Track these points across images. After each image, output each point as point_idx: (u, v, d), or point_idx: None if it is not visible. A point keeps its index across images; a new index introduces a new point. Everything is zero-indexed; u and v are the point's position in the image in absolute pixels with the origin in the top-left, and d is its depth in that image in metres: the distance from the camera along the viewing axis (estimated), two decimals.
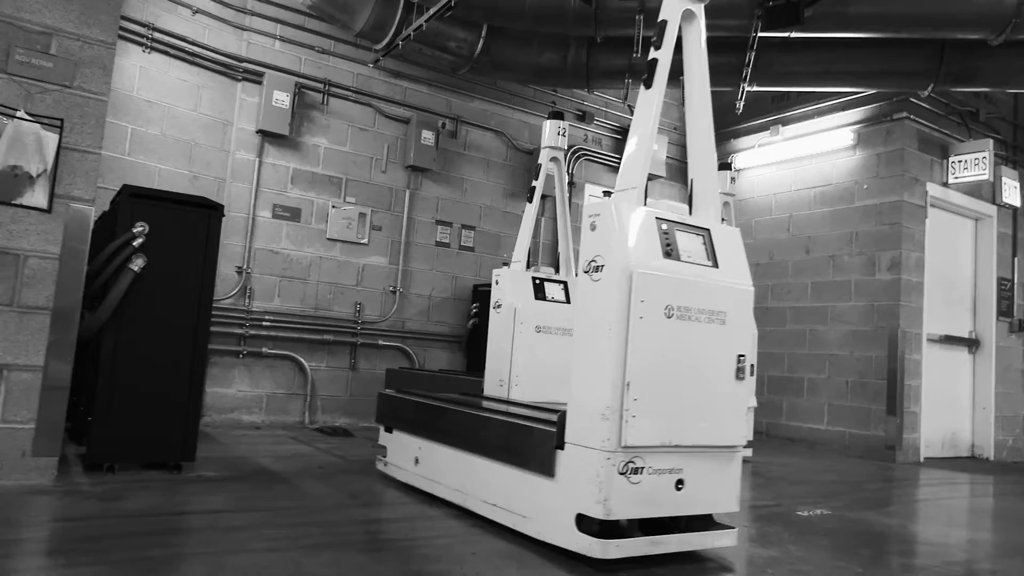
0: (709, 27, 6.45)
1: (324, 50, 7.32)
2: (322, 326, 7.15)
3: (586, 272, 3.13)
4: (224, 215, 4.42)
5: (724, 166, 7.18)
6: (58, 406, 3.69)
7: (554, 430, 3.14)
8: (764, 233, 9.08)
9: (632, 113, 8.88)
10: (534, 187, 5.77)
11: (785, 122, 9.02)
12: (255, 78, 6.91)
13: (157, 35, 6.45)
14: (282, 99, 6.88)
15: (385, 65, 7.58)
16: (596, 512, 2.90)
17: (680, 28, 3.48)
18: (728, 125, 9.72)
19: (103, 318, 3.91)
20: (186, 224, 4.22)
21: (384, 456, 4.55)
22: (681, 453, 3.09)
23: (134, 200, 4.08)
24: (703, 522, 3.25)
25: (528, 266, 5.81)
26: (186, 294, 4.19)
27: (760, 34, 6.36)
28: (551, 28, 6.85)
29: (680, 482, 3.08)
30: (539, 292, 5.53)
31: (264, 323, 6.85)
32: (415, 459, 4.18)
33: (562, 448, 3.10)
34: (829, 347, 8.24)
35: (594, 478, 2.92)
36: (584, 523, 2.96)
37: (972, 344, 8.70)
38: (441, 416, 4.00)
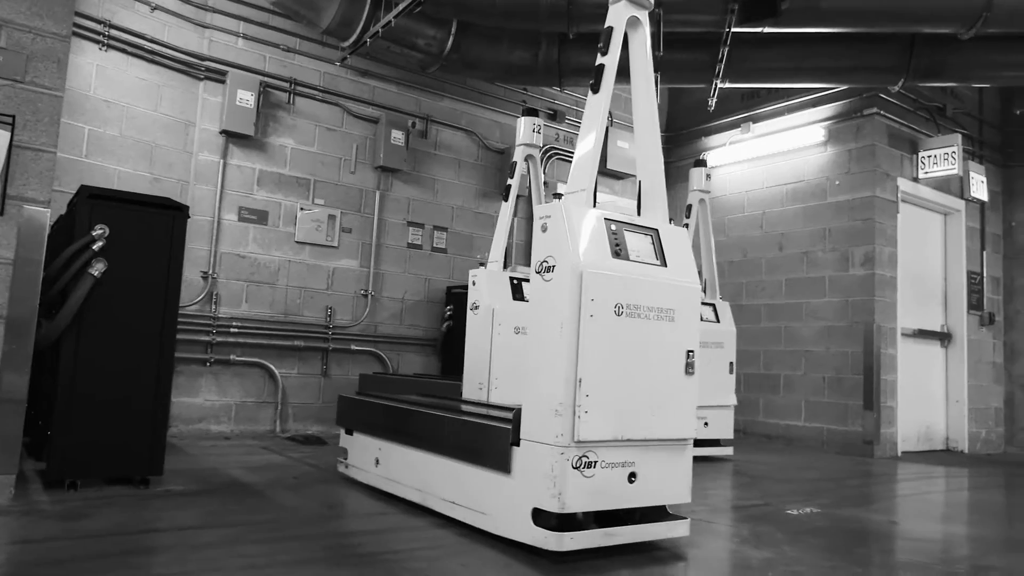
0: (681, 23, 6.47)
1: (289, 48, 7.13)
2: (292, 332, 6.95)
3: (538, 272, 3.19)
4: (189, 216, 4.23)
5: (700, 163, 7.10)
6: (14, 420, 3.47)
7: (509, 427, 3.20)
8: (737, 231, 9.03)
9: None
10: (509, 186, 5.63)
11: (756, 119, 8.99)
12: (218, 77, 6.70)
13: (114, 32, 6.22)
14: (247, 98, 6.68)
15: (353, 64, 7.41)
16: (551, 506, 2.96)
17: (626, 34, 3.57)
18: (699, 123, 9.70)
19: (61, 326, 3.71)
20: (149, 226, 4.02)
21: (345, 458, 4.58)
22: (633, 447, 3.16)
23: (93, 201, 3.87)
24: (657, 513, 3.32)
25: (505, 266, 5.67)
26: (150, 299, 4.00)
27: (734, 29, 6.29)
28: (523, 24, 6.73)
29: (633, 475, 3.16)
30: (517, 292, 5.39)
31: (232, 330, 6.63)
32: (375, 460, 4.23)
33: (518, 445, 3.17)
34: (804, 343, 8.21)
35: (548, 473, 2.99)
36: (540, 517, 3.02)
37: (944, 338, 8.73)
38: (400, 417, 4.05)
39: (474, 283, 5.33)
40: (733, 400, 6.77)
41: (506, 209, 5.63)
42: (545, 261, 3.16)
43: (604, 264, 3.12)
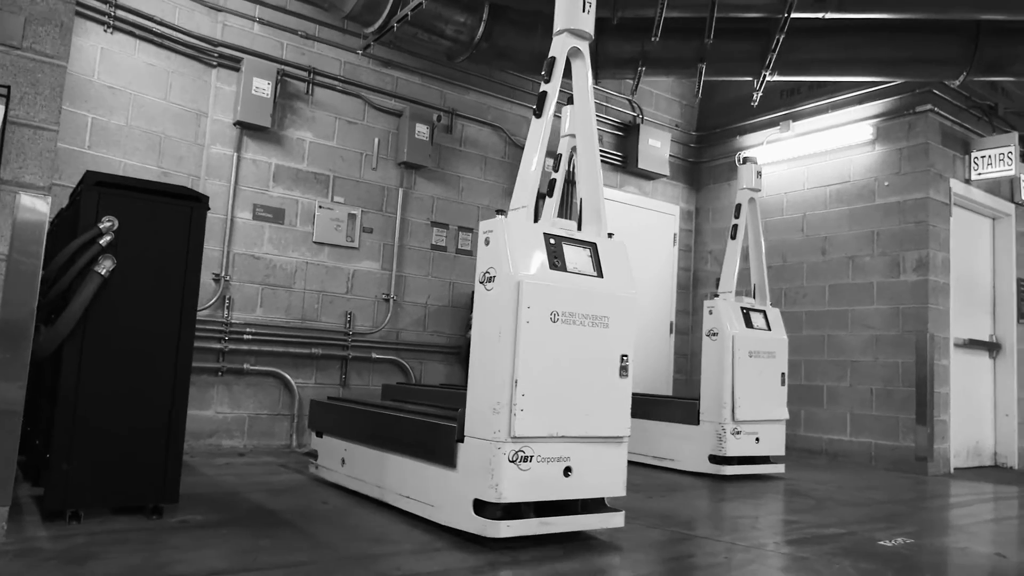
0: (736, 7, 5.99)
1: (308, 35, 6.65)
2: (309, 339, 6.45)
3: (481, 283, 3.45)
4: (209, 208, 3.74)
5: (748, 159, 6.63)
6: (9, 441, 2.97)
7: (455, 425, 3.48)
8: (776, 234, 8.55)
9: (633, 107, 8.20)
10: (553, 180, 5.15)
11: (796, 117, 8.52)
12: (232, 64, 6.22)
13: (120, 12, 5.73)
14: (263, 87, 6.20)
15: (374, 53, 6.93)
16: (490, 496, 3.23)
17: (569, 63, 3.86)
18: (733, 121, 9.24)
19: (63, 332, 3.21)
20: (164, 219, 3.54)
21: (316, 460, 4.87)
22: (568, 443, 3.42)
23: (100, 189, 3.39)
24: (597, 505, 3.60)
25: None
26: (165, 302, 3.51)
27: (794, 15, 5.82)
28: None
29: (568, 469, 3.42)
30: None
31: (245, 336, 6.14)
32: (342, 460, 4.54)
33: (462, 441, 3.44)
34: (850, 353, 7.72)
35: (487, 466, 3.26)
36: (481, 507, 3.28)
37: (993, 348, 8.25)
38: (362, 419, 4.35)
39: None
40: (785, 414, 6.29)
41: (551, 206, 5.14)
42: (487, 272, 3.43)
43: (541, 275, 3.39)
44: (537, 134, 3.68)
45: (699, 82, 6.86)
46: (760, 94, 6.94)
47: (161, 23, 5.92)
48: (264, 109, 6.22)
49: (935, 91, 7.47)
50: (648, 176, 8.97)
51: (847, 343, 7.76)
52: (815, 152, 8.29)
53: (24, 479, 3.99)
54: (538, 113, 3.70)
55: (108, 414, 3.33)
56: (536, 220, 3.66)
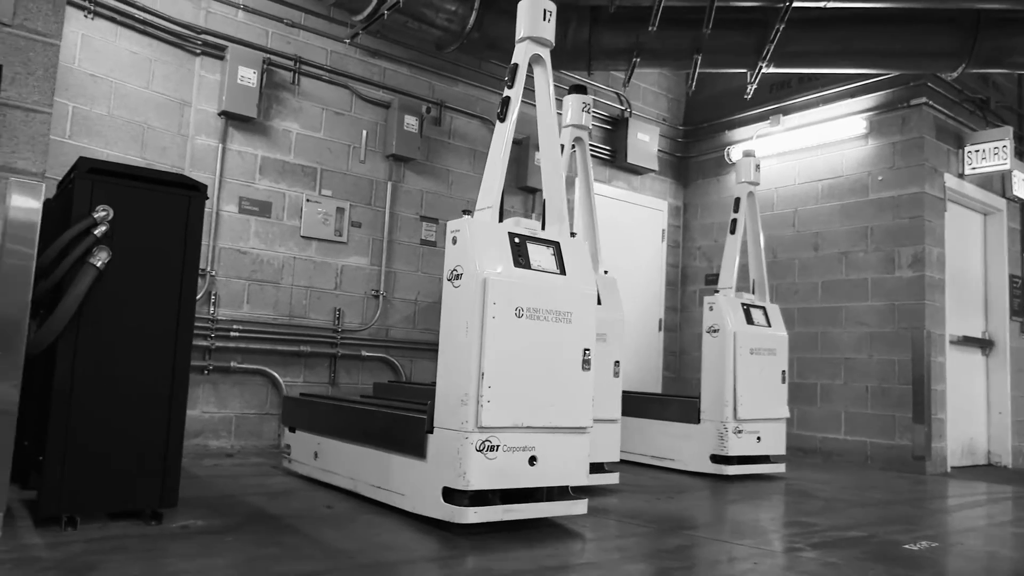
0: None
1: (293, 23, 6.44)
2: (297, 336, 6.24)
3: (448, 280, 3.61)
4: (208, 197, 3.55)
5: (747, 153, 6.53)
6: (3, 443, 2.77)
7: (424, 417, 3.62)
8: (766, 230, 8.46)
9: (622, 101, 8.09)
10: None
11: (786, 111, 8.45)
12: (216, 53, 6.00)
13: None
14: (248, 76, 5.98)
15: (361, 42, 6.74)
16: (458, 484, 3.36)
17: (532, 69, 4.06)
18: (721, 116, 9.15)
19: (57, 328, 3.00)
20: (160, 209, 3.34)
21: (289, 454, 4.96)
22: (533, 433, 3.57)
23: (94, 178, 3.18)
24: (561, 494, 3.77)
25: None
26: (162, 297, 3.31)
27: (794, 4, 5.72)
28: None
29: (533, 458, 3.56)
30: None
31: (232, 333, 5.92)
32: (314, 454, 4.66)
33: (431, 432, 3.58)
34: (844, 350, 7.66)
35: (456, 455, 3.39)
36: (450, 495, 3.42)
37: (986, 345, 8.24)
38: (335, 414, 4.47)
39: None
40: (786, 412, 6.19)
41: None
42: (455, 270, 3.57)
43: (506, 272, 3.54)
44: (501, 138, 3.84)
45: (693, 74, 6.75)
46: (754, 86, 6.84)
47: (144, 9, 5.68)
48: (250, 99, 6.00)
49: (929, 84, 7.43)
50: (637, 171, 8.85)
51: (841, 340, 7.70)
52: (806, 146, 8.23)
53: (12, 482, 3.76)
54: (502, 117, 3.86)
55: (104, 414, 3.13)
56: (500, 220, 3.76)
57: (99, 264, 3.09)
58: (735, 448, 5.82)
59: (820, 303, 7.93)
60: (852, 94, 7.89)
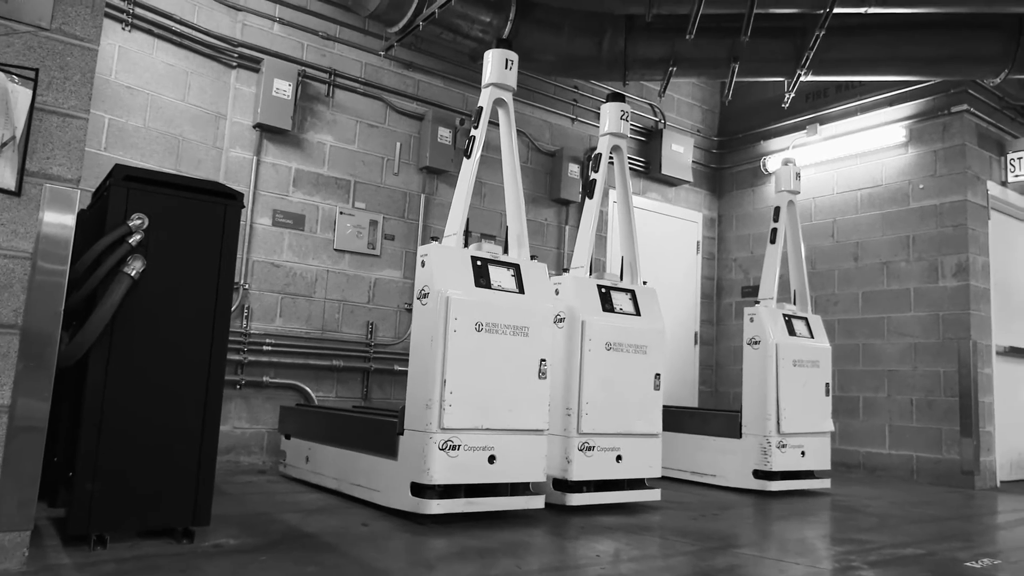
0: (775, 2, 5.77)
1: (328, 36, 6.42)
2: (330, 350, 6.18)
3: (418, 298, 4.01)
4: (244, 206, 3.49)
5: (787, 162, 6.39)
6: (31, 459, 2.70)
7: (396, 420, 4.02)
8: (804, 240, 8.29)
9: (655, 112, 8.00)
10: (594, 181, 4.93)
11: (823, 120, 8.29)
12: (251, 65, 5.99)
13: (139, 11, 5.50)
14: (284, 88, 5.96)
15: (396, 55, 6.70)
16: (423, 479, 3.75)
17: (496, 111, 4.59)
18: (756, 126, 9.02)
19: (90, 339, 2.94)
20: (196, 218, 3.28)
21: (284, 460, 5.34)
22: (492, 434, 3.95)
23: (130, 185, 3.13)
24: (523, 489, 4.16)
25: (591, 272, 4.93)
26: (197, 308, 3.24)
27: (836, 10, 5.60)
28: (595, 4, 6.04)
29: (492, 457, 3.94)
30: (606, 302, 4.68)
31: (264, 347, 5.87)
32: (306, 458, 5.04)
33: (402, 434, 3.98)
34: (887, 362, 7.46)
35: (421, 453, 3.78)
36: (418, 490, 3.81)
37: None
38: (323, 421, 4.89)
39: (557, 292, 4.65)
40: (831, 426, 6.02)
41: (591, 207, 4.90)
42: (423, 289, 3.97)
43: (466, 292, 3.94)
44: (467, 172, 4.31)
45: (730, 83, 6.63)
46: (792, 95, 6.71)
47: (180, 22, 5.69)
48: (284, 111, 5.98)
49: (969, 91, 7.25)
50: (671, 182, 8.73)
51: (883, 352, 7.50)
52: (844, 155, 8.07)
53: (40, 499, 3.70)
54: (468, 154, 4.34)
55: (136, 429, 3.06)
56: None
57: (133, 274, 3.03)
58: (779, 463, 5.66)
59: (861, 314, 7.74)
60: (891, 102, 7.73)
